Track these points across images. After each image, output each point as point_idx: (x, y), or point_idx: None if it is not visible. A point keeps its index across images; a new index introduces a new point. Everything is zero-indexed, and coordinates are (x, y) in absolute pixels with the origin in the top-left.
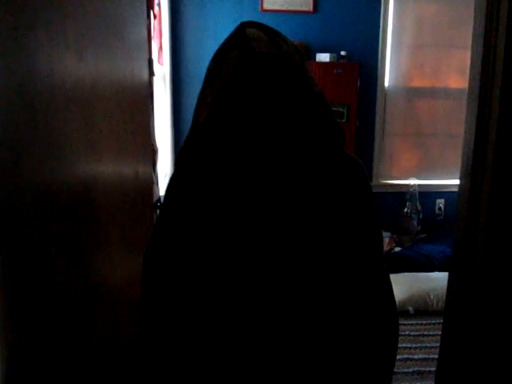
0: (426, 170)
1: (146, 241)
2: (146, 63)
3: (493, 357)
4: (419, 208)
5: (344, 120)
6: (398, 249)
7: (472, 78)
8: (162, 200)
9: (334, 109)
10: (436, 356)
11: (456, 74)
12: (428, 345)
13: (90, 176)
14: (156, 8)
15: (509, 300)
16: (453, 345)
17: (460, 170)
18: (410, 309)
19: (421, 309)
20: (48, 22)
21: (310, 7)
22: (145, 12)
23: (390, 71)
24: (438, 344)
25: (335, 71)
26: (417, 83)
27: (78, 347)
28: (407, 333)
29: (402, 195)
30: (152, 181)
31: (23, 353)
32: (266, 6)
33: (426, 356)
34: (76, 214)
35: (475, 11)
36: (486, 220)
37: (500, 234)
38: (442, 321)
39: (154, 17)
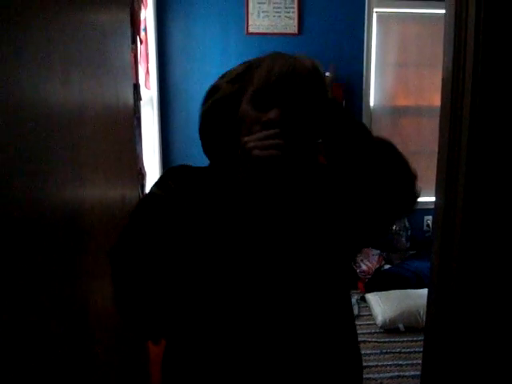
0: None
1: None
2: (131, 88)
3: (474, 368)
4: (407, 225)
5: None
6: (387, 266)
7: (443, 98)
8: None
9: None
10: None
11: (439, 92)
12: (420, 361)
13: (75, 202)
14: (142, 33)
15: (485, 312)
16: (434, 359)
17: (435, 187)
18: (401, 326)
19: (411, 325)
20: (32, 49)
21: (294, 29)
22: (129, 38)
23: (374, 91)
24: None
25: None
26: (402, 102)
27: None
28: (398, 350)
29: None
30: None
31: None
32: (252, 29)
33: (418, 373)
34: (61, 241)
35: (444, 33)
36: (460, 237)
37: (474, 249)
38: None
39: (141, 42)
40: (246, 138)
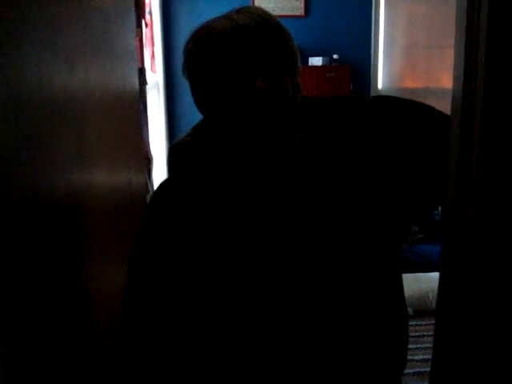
0: None
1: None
2: (136, 73)
3: (486, 353)
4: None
5: None
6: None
7: (455, 79)
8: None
9: None
10: None
11: (449, 73)
12: (429, 345)
13: (81, 187)
14: (147, 16)
15: (499, 296)
16: (446, 342)
17: (448, 176)
18: (410, 310)
19: (421, 309)
20: (36, 34)
21: (301, 11)
22: (134, 22)
23: (382, 73)
24: None
25: (328, 75)
26: (410, 84)
27: (70, 361)
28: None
29: None
30: (146, 190)
31: (16, 366)
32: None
33: (428, 357)
34: (68, 226)
35: (457, 11)
36: (472, 216)
37: (487, 229)
38: None
39: (146, 25)
40: None
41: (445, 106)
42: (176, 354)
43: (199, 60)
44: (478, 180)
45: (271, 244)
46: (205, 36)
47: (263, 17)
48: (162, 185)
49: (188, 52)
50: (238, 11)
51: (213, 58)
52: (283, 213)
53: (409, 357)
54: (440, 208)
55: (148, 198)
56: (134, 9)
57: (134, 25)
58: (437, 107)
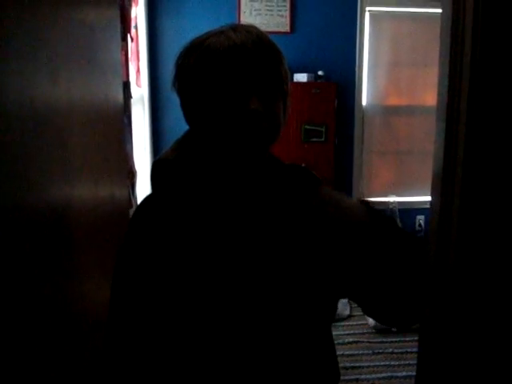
0: (406, 186)
1: None
2: (120, 86)
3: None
4: (400, 225)
5: (323, 139)
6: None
7: (440, 95)
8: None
9: (313, 128)
10: None
11: (432, 91)
12: (412, 362)
13: (64, 200)
14: (133, 31)
15: (480, 315)
16: (429, 358)
17: (431, 187)
18: None
19: None
20: (19, 47)
21: (287, 28)
22: (119, 35)
23: (367, 90)
24: None
25: (313, 91)
26: (394, 101)
27: (53, 375)
28: (391, 350)
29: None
30: (130, 204)
31: None
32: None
33: (411, 373)
34: (50, 240)
35: (441, 29)
36: (456, 237)
37: (471, 250)
38: None
39: (132, 39)
40: None
41: (428, 124)
42: (152, 366)
43: (193, 75)
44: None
45: (216, 273)
46: (200, 52)
47: (260, 37)
48: (144, 200)
49: (180, 66)
50: (235, 29)
51: (208, 75)
52: (233, 249)
53: (392, 374)
54: (423, 224)
55: (131, 213)
56: (119, 23)
57: (119, 39)
58: (421, 124)
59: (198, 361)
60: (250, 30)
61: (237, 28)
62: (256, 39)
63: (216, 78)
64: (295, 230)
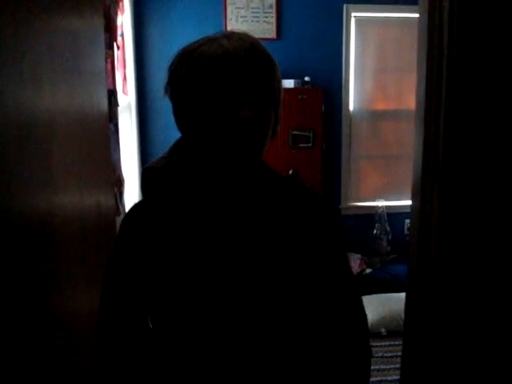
0: (393, 191)
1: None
2: (105, 94)
3: (452, 372)
4: (388, 229)
5: (310, 144)
6: (368, 270)
7: (418, 101)
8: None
9: (300, 133)
10: None
11: None
12: None
13: (48, 208)
14: (119, 39)
15: (460, 317)
16: (413, 362)
17: (411, 192)
18: (383, 330)
19: (393, 330)
20: (3, 57)
21: (273, 34)
22: (103, 44)
23: (354, 95)
24: None
25: (300, 97)
26: (381, 106)
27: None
28: (380, 354)
29: (370, 217)
30: (117, 212)
31: None
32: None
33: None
34: (34, 249)
35: (419, 33)
36: (436, 241)
37: (451, 252)
38: None
39: (118, 47)
40: None
41: (414, 127)
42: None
43: (185, 82)
44: (440, 198)
45: (206, 278)
46: (193, 59)
47: (253, 45)
48: (134, 207)
49: (173, 72)
50: (228, 36)
51: (200, 82)
52: (222, 255)
53: (382, 377)
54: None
55: (118, 221)
56: (103, 31)
57: (104, 47)
58: (408, 128)
59: (192, 362)
60: (244, 37)
61: (230, 35)
62: (249, 47)
63: (208, 85)
64: (282, 232)
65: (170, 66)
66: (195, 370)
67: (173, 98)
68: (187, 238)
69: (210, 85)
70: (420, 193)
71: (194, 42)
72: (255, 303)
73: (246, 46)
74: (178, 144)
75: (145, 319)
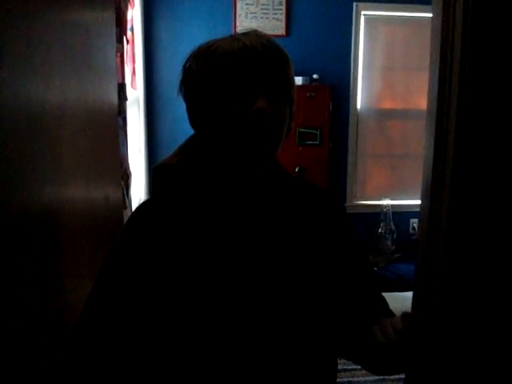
0: (399, 190)
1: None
2: (115, 88)
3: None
4: (393, 228)
5: (317, 142)
6: (374, 269)
7: (430, 101)
8: None
9: (307, 131)
10: None
11: (426, 95)
12: None
13: (57, 202)
14: (129, 33)
15: (469, 317)
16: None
17: (421, 191)
18: None
19: None
20: (14, 49)
21: (282, 31)
22: (114, 38)
23: (361, 93)
24: None
25: (308, 94)
26: (388, 105)
27: (43, 377)
28: None
29: (375, 215)
30: (124, 205)
31: None
32: (239, 30)
33: (403, 376)
34: (43, 242)
35: (432, 34)
36: (445, 241)
37: (460, 253)
38: None
39: (127, 42)
40: None
41: (422, 127)
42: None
43: (201, 77)
44: (451, 198)
45: (214, 277)
46: (209, 54)
47: (270, 41)
48: (143, 204)
49: (188, 69)
50: (244, 34)
51: (217, 75)
52: (233, 254)
53: (384, 376)
54: (416, 227)
55: (125, 214)
56: (114, 25)
57: (115, 41)
58: (415, 128)
59: (195, 360)
60: (260, 34)
61: (246, 33)
62: (266, 43)
63: (225, 78)
64: (296, 232)
65: (185, 64)
66: (198, 372)
67: (187, 96)
68: (201, 237)
69: (227, 77)
70: (430, 192)
71: (209, 41)
72: (267, 303)
73: (264, 41)
74: (191, 141)
75: (137, 318)
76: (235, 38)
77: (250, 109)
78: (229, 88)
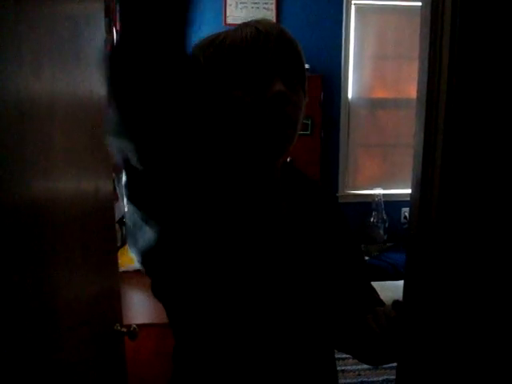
0: (391, 179)
1: (109, 259)
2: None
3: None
4: (385, 217)
5: (308, 132)
6: (365, 258)
7: (419, 90)
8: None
9: None
10: None
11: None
12: None
13: (46, 194)
14: (118, 23)
15: (459, 305)
16: (409, 349)
17: (411, 180)
18: None
19: None
20: (2, 39)
21: (272, 21)
22: (103, 29)
23: (352, 83)
24: None
25: None
26: (379, 94)
27: (32, 373)
28: None
29: (367, 205)
30: (116, 197)
31: None
32: (230, 20)
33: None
34: (32, 235)
35: (421, 23)
36: (435, 229)
37: (450, 242)
38: None
39: (117, 32)
40: None
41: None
42: None
43: (211, 67)
44: (441, 189)
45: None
46: (218, 43)
47: (283, 30)
48: None
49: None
50: (257, 21)
51: (229, 62)
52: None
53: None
54: (408, 216)
55: (116, 206)
56: (103, 16)
57: (104, 31)
58: (406, 117)
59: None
60: (272, 23)
61: (259, 21)
62: (280, 31)
63: (238, 64)
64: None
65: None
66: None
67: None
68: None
69: (240, 63)
70: (420, 181)
71: (211, 34)
72: (298, 277)
73: (277, 29)
74: None
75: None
76: (246, 24)
77: (267, 93)
78: (243, 74)
